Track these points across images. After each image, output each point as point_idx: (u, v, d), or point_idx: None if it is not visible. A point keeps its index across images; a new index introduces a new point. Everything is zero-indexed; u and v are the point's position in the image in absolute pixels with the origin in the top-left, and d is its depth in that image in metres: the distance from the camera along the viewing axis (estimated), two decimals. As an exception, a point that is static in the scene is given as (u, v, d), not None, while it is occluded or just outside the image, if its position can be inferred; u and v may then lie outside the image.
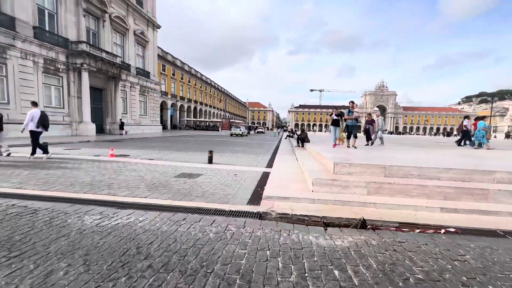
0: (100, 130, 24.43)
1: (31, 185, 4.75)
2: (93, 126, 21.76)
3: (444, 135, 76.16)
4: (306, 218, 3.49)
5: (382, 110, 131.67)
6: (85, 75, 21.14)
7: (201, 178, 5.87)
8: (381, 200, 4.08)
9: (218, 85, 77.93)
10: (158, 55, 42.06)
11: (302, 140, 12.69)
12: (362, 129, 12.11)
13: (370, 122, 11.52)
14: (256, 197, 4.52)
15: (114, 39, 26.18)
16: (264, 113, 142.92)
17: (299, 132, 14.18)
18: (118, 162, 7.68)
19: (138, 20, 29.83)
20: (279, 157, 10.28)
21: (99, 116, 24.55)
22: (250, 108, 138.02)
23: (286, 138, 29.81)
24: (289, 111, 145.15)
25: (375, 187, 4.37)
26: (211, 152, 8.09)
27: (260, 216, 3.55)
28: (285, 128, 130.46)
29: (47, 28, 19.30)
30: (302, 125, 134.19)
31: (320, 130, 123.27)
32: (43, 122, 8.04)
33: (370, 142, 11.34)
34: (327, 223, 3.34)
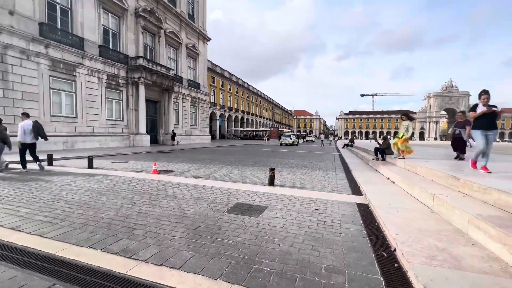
0: (154, 140, 25.09)
1: (39, 224, 3.32)
2: (147, 137, 22.25)
3: None
4: None
5: (452, 114, 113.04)
6: (141, 88, 21.89)
7: (267, 216, 3.79)
8: None
9: (264, 94, 77.55)
10: (208, 68, 43.25)
11: (383, 151, 9.71)
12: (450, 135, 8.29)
13: (463, 124, 7.54)
14: (393, 276, 2.18)
15: (168, 53, 27.14)
16: (311, 121, 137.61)
17: (376, 140, 11.08)
18: (159, 182, 6.19)
19: (190, 34, 30.71)
20: (359, 175, 7.62)
21: (153, 127, 25.31)
22: (296, 116, 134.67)
23: (343, 147, 26.25)
24: (337, 118, 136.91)
25: None
26: (272, 170, 6.01)
27: None
28: (333, 135, 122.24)
29: (110, 46, 20.58)
30: (353, 132, 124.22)
31: (374, 138, 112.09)
32: (39, 132, 7.51)
33: (460, 155, 7.78)
34: None
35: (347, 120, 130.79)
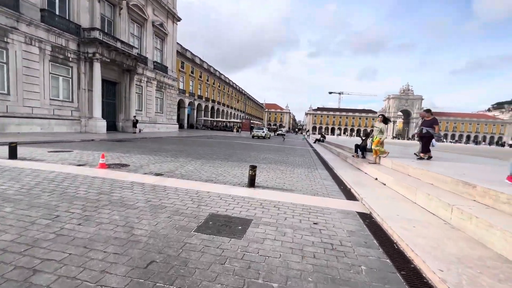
0: (112, 127, 22.22)
1: None
2: (103, 123, 19.47)
3: (498, 145, 69.67)
4: None
5: (407, 115, 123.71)
6: (97, 66, 18.91)
7: (253, 236, 2.74)
8: None
9: (236, 85, 75.50)
10: (177, 52, 40.03)
11: (363, 149, 9.29)
12: (416, 134, 7.98)
13: (431, 123, 7.28)
14: None
15: (131, 29, 24.00)
16: (281, 115, 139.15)
17: (361, 137, 10.68)
18: (105, 181, 4.71)
19: (158, 11, 27.62)
20: (344, 174, 6.98)
21: (111, 112, 22.36)
22: (266, 110, 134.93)
23: (315, 142, 26.31)
24: (306, 114, 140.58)
25: None
26: (253, 169, 4.95)
27: None
28: (302, 130, 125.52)
29: (56, 12, 17.20)
30: (321, 128, 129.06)
31: (339, 134, 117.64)
32: None
33: (426, 154, 7.52)
34: None
35: (315, 116, 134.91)
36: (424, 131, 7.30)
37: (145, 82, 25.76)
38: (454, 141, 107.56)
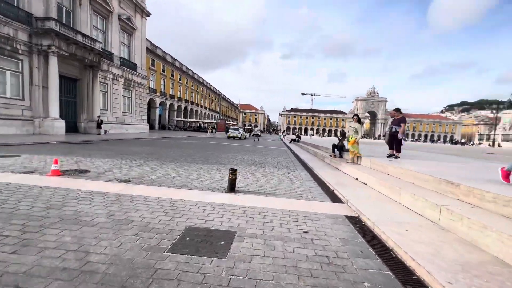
0: (72, 128, 20.18)
1: None
2: (61, 124, 17.54)
3: (452, 143, 76.93)
4: None
5: (373, 116, 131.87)
6: (53, 60, 16.97)
7: (239, 253, 2.36)
8: None
9: (210, 84, 73.97)
10: (147, 49, 37.96)
11: (341, 148, 9.37)
12: (386, 134, 8.05)
13: (399, 121, 7.25)
14: None
15: (93, 22, 22.04)
16: (256, 115, 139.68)
17: (338, 137, 10.75)
18: (56, 191, 3.97)
19: (124, 4, 25.79)
20: (324, 175, 6.88)
21: (71, 112, 20.31)
22: (241, 110, 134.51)
23: (291, 142, 26.55)
24: (280, 114, 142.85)
25: None
26: (233, 172, 4.54)
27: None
28: (276, 131, 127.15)
29: (2, -3, 15.09)
30: (295, 128, 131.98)
31: (312, 135, 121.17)
32: None
33: (394, 153, 7.62)
34: None
35: (289, 117, 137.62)
36: (393, 129, 7.48)
37: (111, 79, 23.86)
38: (414, 140, 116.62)
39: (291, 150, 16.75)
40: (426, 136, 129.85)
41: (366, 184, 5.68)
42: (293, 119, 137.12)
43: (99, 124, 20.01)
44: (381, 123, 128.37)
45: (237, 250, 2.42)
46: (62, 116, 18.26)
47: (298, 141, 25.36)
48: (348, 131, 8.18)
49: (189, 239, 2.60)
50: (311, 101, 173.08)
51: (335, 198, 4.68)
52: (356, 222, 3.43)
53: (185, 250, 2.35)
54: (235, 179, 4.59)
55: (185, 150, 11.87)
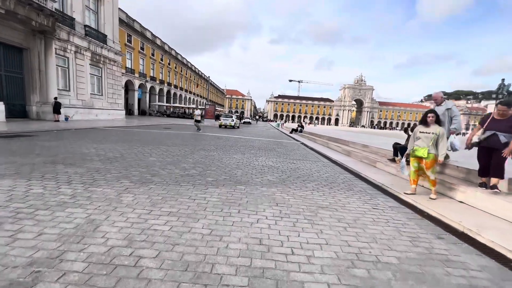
0: (20, 113, 15.64)
1: None
2: (0, 107, 13.10)
3: None
4: None
5: (360, 104, 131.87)
6: (-19, 19, 12.23)
7: None
8: None
9: (196, 67, 68.23)
10: (123, 22, 32.40)
11: (403, 151, 6.32)
12: (476, 141, 4.79)
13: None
14: None
15: (45, -26, 16.86)
16: (243, 101, 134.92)
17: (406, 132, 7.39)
18: None
19: (89, -44, 20.45)
20: (431, 206, 3.80)
21: (17, 92, 15.64)
22: (228, 96, 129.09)
23: (291, 132, 23.37)
24: (267, 101, 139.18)
25: None
26: None
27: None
28: (263, 118, 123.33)
29: None
30: (282, 115, 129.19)
31: (317, 123, 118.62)
32: None
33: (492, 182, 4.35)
34: None
35: (276, 104, 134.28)
36: (503, 138, 4.02)
37: (73, 52, 19.01)
38: (399, 129, 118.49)
39: (308, 146, 13.54)
40: (409, 125, 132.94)
41: None
42: (280, 106, 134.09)
43: (56, 108, 15.60)
44: (367, 112, 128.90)
45: None
46: (1, 97, 13.75)
47: (301, 131, 22.28)
48: (419, 137, 4.43)
49: None
50: (298, 88, 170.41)
51: None
52: None
53: None
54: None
55: (169, 150, 8.26)
